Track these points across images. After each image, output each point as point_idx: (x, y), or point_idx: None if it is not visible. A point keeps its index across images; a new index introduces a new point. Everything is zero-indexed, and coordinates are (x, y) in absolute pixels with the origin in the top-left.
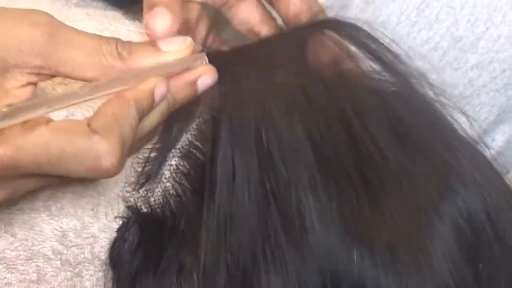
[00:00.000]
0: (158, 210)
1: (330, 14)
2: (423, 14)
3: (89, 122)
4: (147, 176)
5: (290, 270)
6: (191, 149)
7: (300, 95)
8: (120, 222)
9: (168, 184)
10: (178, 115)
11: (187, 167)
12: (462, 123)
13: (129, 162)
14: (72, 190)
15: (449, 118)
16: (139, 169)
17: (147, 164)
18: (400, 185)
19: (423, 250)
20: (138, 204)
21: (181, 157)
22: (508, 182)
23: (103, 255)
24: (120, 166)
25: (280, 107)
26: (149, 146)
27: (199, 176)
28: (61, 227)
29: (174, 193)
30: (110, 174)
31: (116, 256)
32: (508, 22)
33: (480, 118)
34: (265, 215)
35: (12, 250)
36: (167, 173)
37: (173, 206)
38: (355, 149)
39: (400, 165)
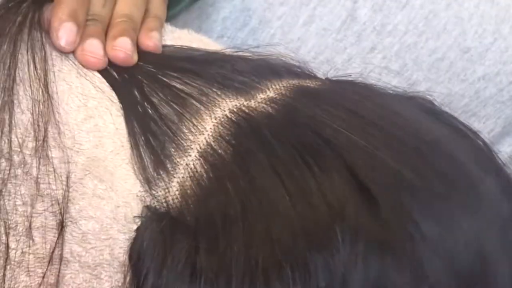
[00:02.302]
0: (176, 209)
1: (335, 26)
2: (431, 24)
3: None
4: (164, 176)
5: None
6: (209, 150)
7: None
8: (139, 223)
9: (186, 184)
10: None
11: (205, 167)
12: None
13: (145, 161)
14: (91, 192)
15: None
16: (155, 169)
17: (163, 163)
18: None
19: None
20: (156, 204)
21: (199, 157)
22: None
23: (122, 256)
24: None
25: None
26: (168, 145)
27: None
28: (80, 229)
29: (192, 193)
30: None
31: (135, 257)
32: None
33: (486, 130)
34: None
35: (30, 253)
36: (184, 173)
37: (191, 206)
38: None
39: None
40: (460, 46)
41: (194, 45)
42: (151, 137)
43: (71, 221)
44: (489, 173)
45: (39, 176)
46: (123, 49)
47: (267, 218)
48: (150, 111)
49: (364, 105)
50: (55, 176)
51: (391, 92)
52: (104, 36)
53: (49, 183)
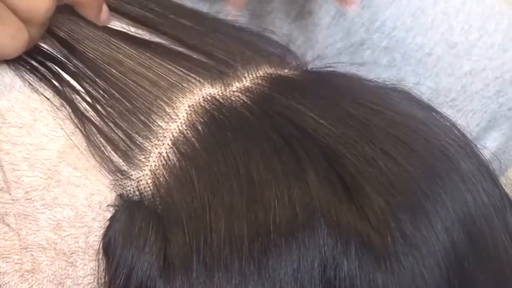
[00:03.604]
0: (148, 198)
1: (325, 21)
2: (418, 20)
3: None
4: (137, 165)
5: None
6: (182, 138)
7: None
8: (113, 211)
9: (158, 172)
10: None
11: (177, 155)
12: None
13: (122, 150)
14: (66, 180)
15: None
16: (127, 158)
17: (134, 153)
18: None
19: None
20: (129, 192)
21: (172, 145)
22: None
23: (97, 244)
24: None
25: None
26: (140, 133)
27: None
28: (55, 217)
29: (164, 181)
30: None
31: (108, 245)
32: (500, 30)
33: (472, 124)
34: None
35: (7, 240)
36: (156, 162)
37: (163, 194)
38: None
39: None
40: (447, 42)
41: None
42: (115, 128)
43: (46, 208)
44: (471, 163)
45: (14, 162)
46: None
47: (233, 211)
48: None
49: (341, 96)
50: (30, 162)
51: (371, 83)
52: None
53: (24, 170)
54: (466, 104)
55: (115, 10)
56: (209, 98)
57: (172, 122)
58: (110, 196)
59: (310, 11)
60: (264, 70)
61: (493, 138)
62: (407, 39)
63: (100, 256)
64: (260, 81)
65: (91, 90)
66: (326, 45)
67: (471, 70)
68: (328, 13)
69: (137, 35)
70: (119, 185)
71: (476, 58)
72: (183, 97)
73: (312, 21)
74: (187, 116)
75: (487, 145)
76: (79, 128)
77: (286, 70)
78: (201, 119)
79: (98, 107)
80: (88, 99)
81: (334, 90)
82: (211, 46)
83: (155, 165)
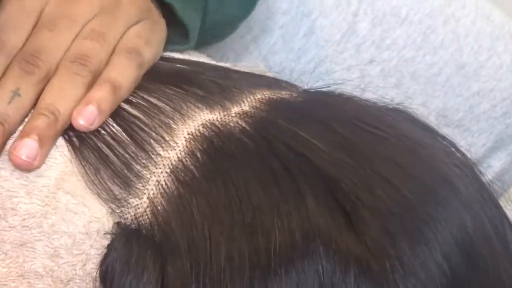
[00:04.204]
0: (146, 226)
1: (335, 38)
2: (428, 40)
3: None
4: (135, 193)
5: None
6: (180, 166)
7: None
8: (110, 239)
9: (156, 200)
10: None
11: (176, 184)
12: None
13: (120, 177)
14: (64, 207)
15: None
16: (128, 185)
17: (132, 181)
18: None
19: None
20: (127, 220)
21: (170, 173)
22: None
23: (95, 272)
24: None
25: None
26: (138, 161)
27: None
28: (52, 244)
29: (162, 209)
30: None
31: (105, 274)
32: (509, 51)
33: (478, 144)
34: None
35: (4, 267)
36: (154, 190)
37: (161, 223)
38: None
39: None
40: (456, 62)
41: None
42: (113, 155)
43: (43, 235)
44: (472, 188)
45: (12, 189)
46: (22, 155)
47: (233, 239)
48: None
49: (340, 119)
50: (27, 189)
51: (371, 104)
52: (5, 137)
53: (22, 197)
54: (473, 124)
55: None
56: (208, 124)
57: (171, 150)
58: (108, 224)
59: (320, 27)
60: (262, 93)
61: (498, 158)
62: (417, 58)
63: (98, 283)
64: (258, 105)
65: None
66: (336, 61)
67: (479, 91)
68: (339, 29)
69: None
70: (117, 212)
71: (485, 79)
72: (182, 124)
73: (323, 37)
74: (186, 144)
75: (492, 164)
76: (77, 155)
77: (283, 92)
78: (200, 147)
79: (97, 133)
80: None
81: (332, 113)
82: (209, 79)
83: (153, 193)
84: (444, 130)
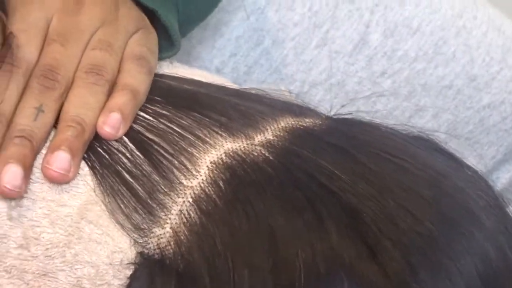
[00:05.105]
0: (169, 255)
1: (347, 49)
2: (440, 51)
3: None
4: (157, 222)
5: None
6: (203, 195)
7: None
8: (133, 269)
9: (179, 230)
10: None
11: (198, 213)
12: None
13: (143, 207)
14: (87, 237)
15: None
16: (147, 216)
17: (154, 211)
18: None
19: None
20: (150, 250)
21: (193, 202)
22: None
23: None
24: None
25: None
26: (161, 190)
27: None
28: (75, 274)
29: (185, 239)
30: None
31: None
32: None
33: (488, 156)
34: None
35: None
36: (177, 219)
37: (184, 252)
38: None
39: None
40: (468, 74)
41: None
42: (137, 184)
43: (66, 265)
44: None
45: (35, 219)
46: (56, 168)
47: (257, 270)
48: (134, 157)
49: (362, 149)
50: (50, 219)
51: (394, 131)
52: (34, 154)
53: (45, 226)
54: (482, 137)
55: None
56: (231, 153)
57: (194, 179)
58: (131, 254)
59: (332, 38)
60: (286, 122)
61: (507, 170)
62: (428, 70)
63: None
64: (281, 133)
65: (112, 146)
66: (347, 73)
67: (489, 104)
68: (351, 41)
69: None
70: (140, 243)
71: (496, 91)
72: (205, 153)
73: (334, 49)
74: (208, 173)
75: (500, 176)
76: (101, 185)
77: (307, 120)
78: (222, 176)
79: (119, 161)
80: (111, 154)
81: (355, 143)
82: (231, 105)
83: (176, 223)
84: (454, 142)
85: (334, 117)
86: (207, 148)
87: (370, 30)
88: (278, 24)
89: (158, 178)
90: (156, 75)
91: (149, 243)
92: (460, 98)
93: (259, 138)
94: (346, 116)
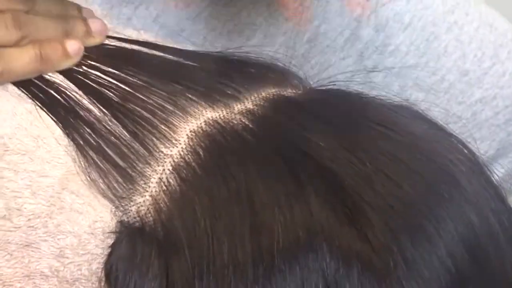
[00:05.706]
0: (149, 223)
1: (339, 44)
2: (432, 46)
3: None
4: (137, 190)
5: None
6: (182, 163)
7: None
8: (114, 238)
9: (159, 198)
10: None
11: (178, 181)
12: None
13: (123, 176)
14: (69, 207)
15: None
16: (127, 185)
17: (134, 179)
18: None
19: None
20: (130, 218)
21: (173, 170)
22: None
23: (100, 272)
24: None
25: None
26: (141, 159)
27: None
28: (58, 244)
29: (165, 207)
30: None
31: (111, 272)
32: None
33: (480, 151)
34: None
35: (9, 268)
36: (157, 187)
37: (164, 220)
38: None
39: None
40: (459, 69)
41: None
42: (116, 154)
43: (49, 236)
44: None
45: (16, 190)
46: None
47: (236, 236)
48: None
49: (342, 117)
50: (32, 189)
51: (376, 99)
52: None
53: (27, 197)
54: (474, 132)
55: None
56: (210, 122)
57: (173, 148)
58: (112, 223)
59: (324, 33)
60: (267, 91)
61: (500, 165)
62: (420, 65)
63: (103, 283)
64: (262, 103)
65: (92, 116)
66: (339, 67)
67: (481, 98)
68: (342, 35)
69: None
70: (121, 211)
71: (488, 86)
72: (185, 122)
73: (326, 43)
74: (188, 141)
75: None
76: (81, 154)
77: (289, 90)
78: (202, 144)
79: (99, 132)
80: (90, 125)
81: (335, 111)
82: (211, 74)
83: (155, 191)
84: None
85: (317, 88)
86: (187, 117)
87: (362, 25)
88: (270, 18)
89: (137, 147)
90: (131, 41)
91: (129, 212)
92: (452, 92)
93: (238, 107)
94: (328, 87)
